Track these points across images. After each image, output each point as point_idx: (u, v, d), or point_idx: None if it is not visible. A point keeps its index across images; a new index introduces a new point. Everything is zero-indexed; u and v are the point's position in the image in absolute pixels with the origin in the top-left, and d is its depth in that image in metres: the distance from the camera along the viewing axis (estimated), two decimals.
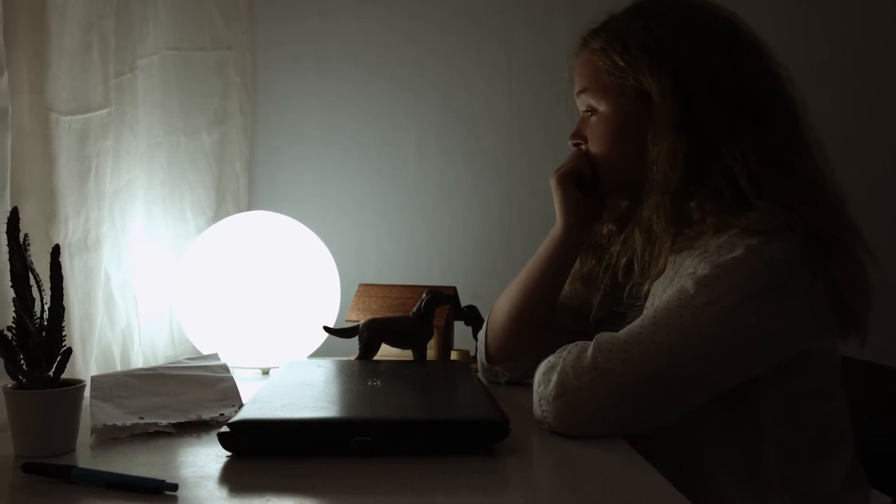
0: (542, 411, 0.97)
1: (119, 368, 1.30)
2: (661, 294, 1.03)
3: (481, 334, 1.29)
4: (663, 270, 1.06)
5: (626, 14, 1.14)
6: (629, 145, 1.11)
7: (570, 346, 0.98)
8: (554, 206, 1.19)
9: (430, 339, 1.32)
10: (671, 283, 1.02)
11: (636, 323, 0.98)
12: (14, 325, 0.85)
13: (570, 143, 1.20)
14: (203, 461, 0.85)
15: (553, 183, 1.18)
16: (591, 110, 1.15)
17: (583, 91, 1.15)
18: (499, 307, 1.25)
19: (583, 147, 1.18)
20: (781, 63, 1.10)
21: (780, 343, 1.00)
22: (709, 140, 1.05)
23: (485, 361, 1.27)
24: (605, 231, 1.24)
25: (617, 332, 0.98)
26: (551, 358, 0.99)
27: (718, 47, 1.08)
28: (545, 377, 0.97)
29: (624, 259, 1.17)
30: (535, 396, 0.98)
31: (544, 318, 1.22)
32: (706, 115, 1.05)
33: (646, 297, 1.08)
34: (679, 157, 1.05)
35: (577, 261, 1.24)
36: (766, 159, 1.03)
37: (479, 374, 1.28)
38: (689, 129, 1.05)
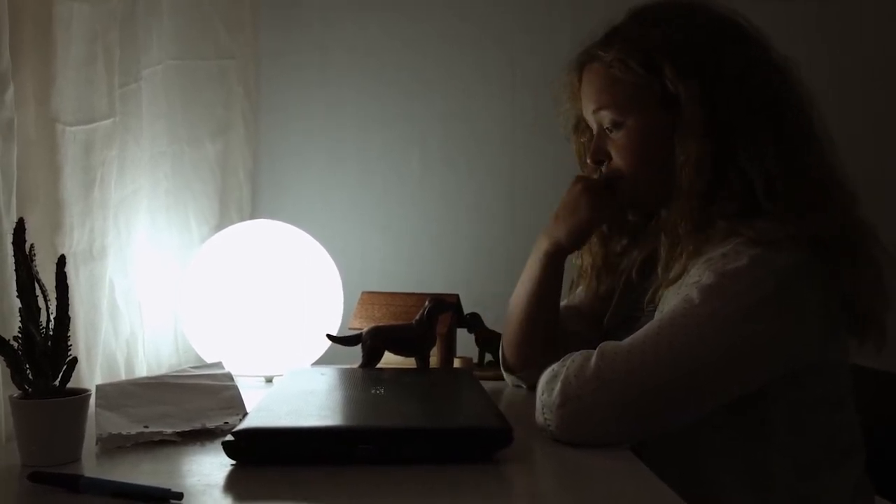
0: (545, 419, 0.97)
1: (123, 377, 1.30)
2: (669, 302, 1.03)
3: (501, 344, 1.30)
4: (680, 276, 1.04)
5: (634, 22, 1.11)
6: (658, 154, 1.09)
7: (574, 355, 0.98)
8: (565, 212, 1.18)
9: (432, 346, 1.32)
10: (677, 293, 1.02)
11: (640, 332, 0.98)
12: (20, 335, 0.86)
13: (589, 162, 1.17)
14: (208, 470, 0.85)
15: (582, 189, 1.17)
16: (614, 125, 1.12)
17: (602, 108, 1.12)
18: (508, 315, 1.25)
19: (604, 167, 1.15)
20: (788, 57, 1.09)
21: (785, 352, 1.00)
22: (731, 142, 1.04)
23: (505, 372, 1.28)
24: (618, 249, 1.23)
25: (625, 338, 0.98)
26: (555, 366, 0.99)
27: (732, 46, 1.07)
28: (549, 385, 0.97)
29: (640, 258, 1.17)
30: (538, 404, 0.99)
31: (552, 317, 1.22)
32: (730, 116, 1.04)
33: (658, 303, 1.08)
34: (706, 160, 1.04)
35: (595, 278, 1.25)
36: (781, 161, 1.03)
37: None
38: (714, 132, 1.04)
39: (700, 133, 1.04)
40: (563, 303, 1.35)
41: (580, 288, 1.29)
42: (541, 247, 1.21)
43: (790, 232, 0.98)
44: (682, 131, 1.05)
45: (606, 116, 1.13)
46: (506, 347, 1.27)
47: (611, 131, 1.13)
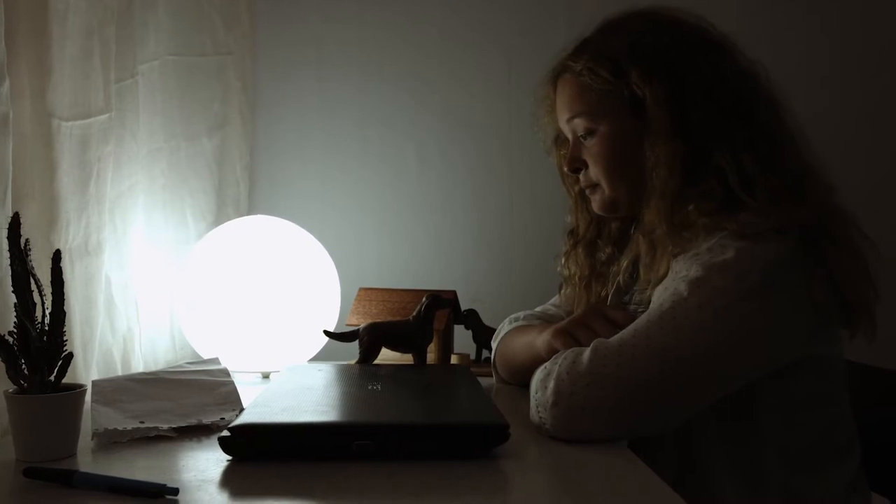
0: (540, 417, 0.97)
1: (120, 373, 1.30)
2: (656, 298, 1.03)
3: (493, 352, 1.30)
4: (665, 275, 1.05)
5: (601, 33, 1.15)
6: (631, 158, 1.11)
7: (567, 353, 0.98)
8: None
9: (429, 342, 1.32)
10: (665, 287, 1.02)
11: (630, 327, 0.98)
12: (15, 330, 0.86)
13: (566, 171, 1.19)
14: (204, 465, 0.85)
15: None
16: (588, 132, 1.14)
17: (575, 116, 1.15)
18: (506, 349, 1.25)
19: (581, 175, 1.17)
20: (753, 58, 1.11)
21: (776, 343, 1.00)
22: (702, 142, 1.05)
23: (496, 380, 1.30)
24: (604, 258, 1.24)
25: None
26: (548, 364, 0.99)
27: (698, 49, 1.09)
28: (542, 384, 0.97)
29: (625, 262, 1.17)
30: (532, 402, 0.99)
31: None
32: (699, 116, 1.05)
33: (647, 304, 1.08)
34: (677, 161, 1.05)
35: (584, 289, 1.24)
36: (755, 157, 1.04)
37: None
38: (683, 133, 1.05)
39: (668, 135, 1.06)
40: (554, 300, 1.35)
41: (568, 290, 1.29)
42: (552, 342, 1.07)
43: (774, 223, 0.99)
44: (651, 134, 1.07)
45: (580, 124, 1.15)
46: (500, 369, 1.28)
47: (585, 139, 1.15)
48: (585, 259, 1.26)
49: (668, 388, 0.95)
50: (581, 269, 1.26)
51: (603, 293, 1.23)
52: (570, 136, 1.18)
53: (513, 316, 1.31)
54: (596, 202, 1.19)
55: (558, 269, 1.30)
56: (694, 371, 0.96)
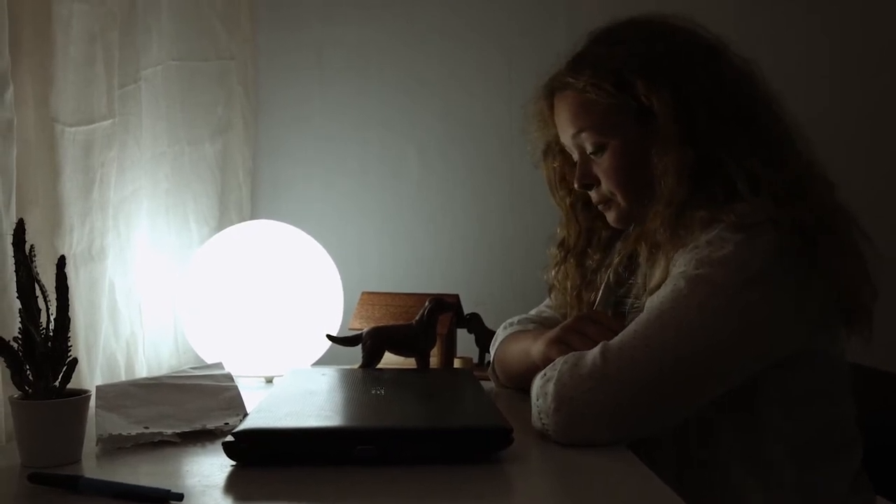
0: (543, 424, 0.97)
1: (124, 378, 1.30)
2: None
3: (492, 359, 1.30)
4: (663, 281, 1.04)
5: (598, 44, 1.13)
6: (643, 168, 1.09)
7: (567, 357, 0.98)
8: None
9: (433, 346, 1.32)
10: (664, 284, 1.02)
11: (630, 327, 0.98)
12: (20, 336, 0.86)
13: (577, 187, 1.17)
14: (208, 470, 0.85)
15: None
16: (598, 148, 1.13)
17: (581, 130, 1.13)
18: (504, 355, 1.25)
19: (592, 190, 1.16)
20: (747, 58, 1.10)
21: (775, 335, 1.00)
22: (710, 148, 1.05)
23: (495, 385, 1.30)
24: (593, 265, 1.24)
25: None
26: (547, 370, 0.99)
27: (696, 54, 1.09)
28: (542, 390, 0.97)
29: (616, 260, 1.17)
30: (534, 409, 0.99)
31: None
32: (704, 123, 1.05)
33: (644, 306, 1.08)
34: (685, 169, 1.05)
35: (576, 298, 1.24)
36: (761, 161, 1.04)
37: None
38: (692, 139, 1.05)
39: (677, 142, 1.05)
40: (547, 301, 1.35)
41: (558, 297, 1.29)
42: (547, 352, 1.08)
43: (771, 215, 0.99)
44: (660, 142, 1.06)
45: (587, 140, 1.13)
46: (500, 375, 1.28)
47: (594, 155, 1.14)
48: (576, 270, 1.26)
49: (668, 389, 0.95)
50: (573, 280, 1.26)
51: (592, 297, 1.22)
52: (575, 152, 1.17)
53: (507, 321, 1.31)
54: (612, 216, 1.17)
55: (545, 278, 1.30)
56: (694, 369, 0.96)
